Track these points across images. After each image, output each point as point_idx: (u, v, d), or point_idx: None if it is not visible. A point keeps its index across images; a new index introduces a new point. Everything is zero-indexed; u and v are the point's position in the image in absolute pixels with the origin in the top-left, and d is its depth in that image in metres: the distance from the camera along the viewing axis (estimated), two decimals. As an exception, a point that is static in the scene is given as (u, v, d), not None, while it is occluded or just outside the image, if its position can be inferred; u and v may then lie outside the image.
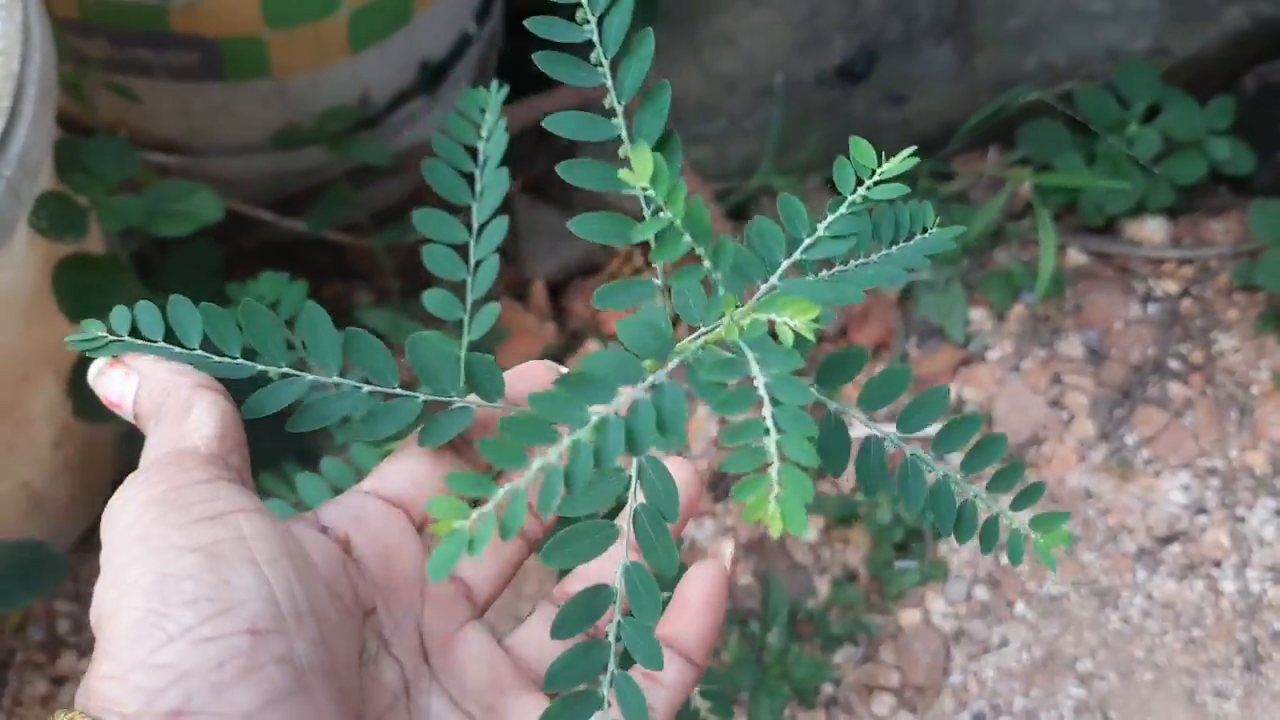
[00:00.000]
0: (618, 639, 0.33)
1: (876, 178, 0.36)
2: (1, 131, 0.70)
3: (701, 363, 0.30)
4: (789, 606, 1.06)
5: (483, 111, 0.40)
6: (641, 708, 0.32)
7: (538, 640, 0.37)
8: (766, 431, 0.28)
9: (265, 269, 0.75)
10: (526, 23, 0.36)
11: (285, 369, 0.36)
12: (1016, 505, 0.38)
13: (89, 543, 1.07)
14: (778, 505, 0.27)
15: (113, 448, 1.03)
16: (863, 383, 0.37)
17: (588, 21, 0.35)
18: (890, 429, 0.37)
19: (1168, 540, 1.16)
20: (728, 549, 0.38)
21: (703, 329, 0.33)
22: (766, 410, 0.28)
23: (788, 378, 0.29)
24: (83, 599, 1.09)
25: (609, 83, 0.35)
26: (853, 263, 0.38)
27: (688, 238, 0.32)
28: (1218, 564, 1.15)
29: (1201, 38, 1.29)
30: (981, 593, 1.13)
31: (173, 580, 0.30)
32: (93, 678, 0.30)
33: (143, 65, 0.95)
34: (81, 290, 0.82)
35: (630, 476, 0.33)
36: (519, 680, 0.36)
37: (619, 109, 0.35)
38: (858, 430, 0.37)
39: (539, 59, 0.37)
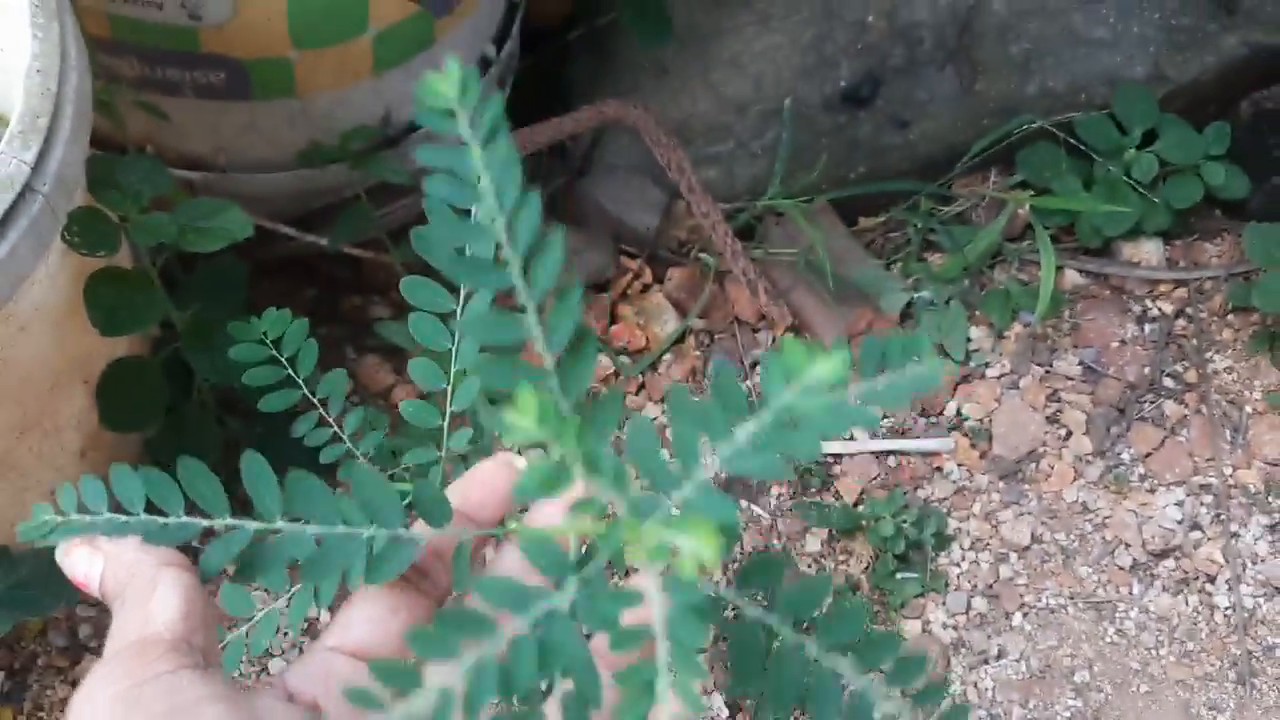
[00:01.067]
0: None
1: (803, 383, 0.28)
2: (40, 150, 0.73)
3: (598, 592, 0.28)
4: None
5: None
6: None
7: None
8: (658, 673, 0.26)
9: (286, 283, 0.78)
10: (412, 233, 0.35)
11: (229, 521, 0.36)
12: None
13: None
14: None
15: (139, 456, 1.05)
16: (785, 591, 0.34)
17: (494, 220, 0.32)
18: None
19: (1163, 555, 1.18)
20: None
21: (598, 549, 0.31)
22: (661, 649, 0.27)
23: (688, 612, 0.27)
24: (104, 605, 1.11)
25: (519, 282, 0.32)
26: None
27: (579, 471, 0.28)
28: (1212, 579, 1.17)
29: (1198, 65, 1.32)
30: (981, 604, 1.16)
31: None
32: None
33: (171, 84, 0.98)
34: (113, 303, 0.85)
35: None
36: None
37: (530, 308, 0.32)
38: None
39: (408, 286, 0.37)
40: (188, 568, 0.36)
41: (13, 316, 0.79)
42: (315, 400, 0.69)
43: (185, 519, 0.36)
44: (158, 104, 0.97)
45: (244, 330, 0.69)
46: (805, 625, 0.32)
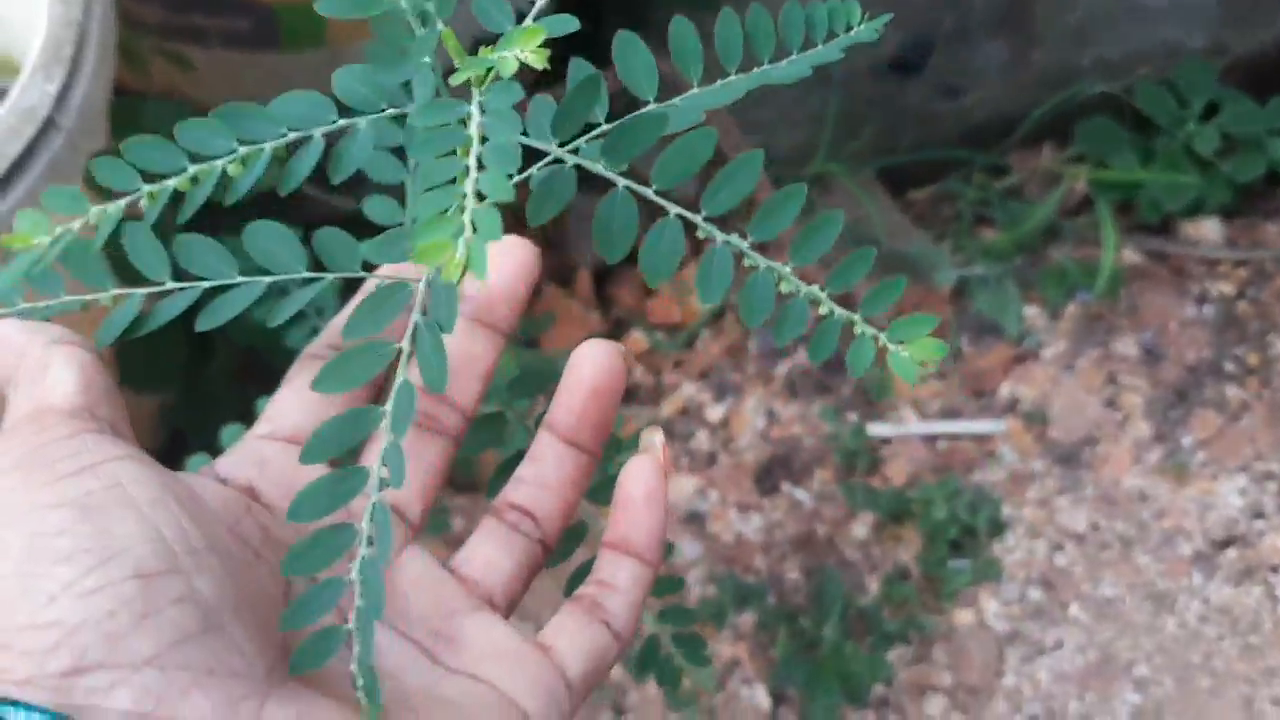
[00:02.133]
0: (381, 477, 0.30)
1: None
2: (64, 81, 0.68)
3: (421, 110, 0.27)
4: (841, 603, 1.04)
5: None
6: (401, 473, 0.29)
7: (483, 557, 0.35)
8: (466, 170, 0.25)
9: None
10: None
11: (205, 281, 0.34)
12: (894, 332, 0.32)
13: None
14: (465, 248, 0.24)
15: (156, 423, 1.00)
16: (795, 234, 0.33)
17: None
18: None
19: (1224, 544, 1.13)
20: (657, 439, 0.36)
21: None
22: (474, 149, 0.26)
23: (502, 112, 0.26)
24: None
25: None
26: (755, 70, 0.34)
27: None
28: (1276, 569, 1.12)
29: (1260, 36, 1.27)
30: (1035, 594, 1.10)
31: (45, 538, 0.27)
32: None
33: (197, 32, 0.93)
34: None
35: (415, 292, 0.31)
36: (468, 601, 0.34)
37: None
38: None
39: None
40: (85, 344, 0.32)
41: (29, 266, 0.74)
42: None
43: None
44: (182, 53, 0.92)
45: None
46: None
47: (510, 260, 0.36)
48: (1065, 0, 1.27)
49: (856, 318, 0.32)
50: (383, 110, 0.31)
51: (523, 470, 0.36)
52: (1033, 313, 1.22)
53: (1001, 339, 1.20)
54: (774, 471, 1.15)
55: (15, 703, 0.26)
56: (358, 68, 0.30)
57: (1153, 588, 1.11)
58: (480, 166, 0.25)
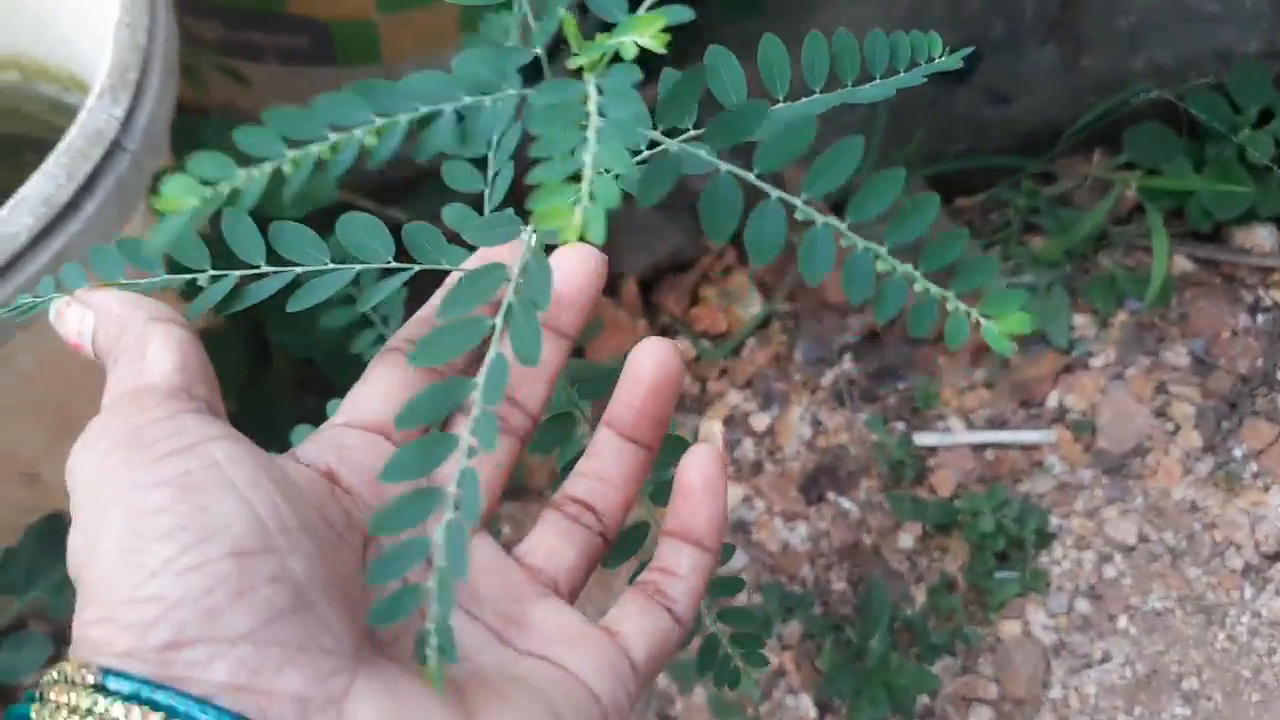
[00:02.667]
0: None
1: None
2: (130, 105, 0.69)
3: (542, 90, 0.28)
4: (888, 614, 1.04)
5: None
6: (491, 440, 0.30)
7: (546, 546, 0.36)
8: (584, 140, 0.26)
9: None
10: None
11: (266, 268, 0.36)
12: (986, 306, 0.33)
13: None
14: (581, 213, 0.25)
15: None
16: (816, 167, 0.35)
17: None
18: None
19: (1276, 557, 1.12)
20: (716, 428, 0.37)
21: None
22: (593, 124, 0.27)
23: (623, 91, 0.27)
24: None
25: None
26: (839, 90, 0.36)
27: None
28: (1328, 583, 1.11)
29: (1317, 41, 1.25)
30: (1083, 606, 1.10)
31: (146, 516, 0.28)
32: (79, 625, 0.29)
33: (254, 48, 0.94)
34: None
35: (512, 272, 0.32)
36: (533, 587, 0.35)
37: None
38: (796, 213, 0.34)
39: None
40: (183, 323, 0.34)
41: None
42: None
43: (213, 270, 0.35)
44: (239, 69, 0.93)
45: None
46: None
47: (578, 266, 0.37)
48: (1116, 5, 1.26)
49: (950, 294, 0.33)
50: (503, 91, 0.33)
51: (583, 465, 0.37)
52: (1082, 321, 1.22)
53: (1050, 348, 1.20)
54: (820, 480, 1.15)
55: (119, 673, 0.27)
56: (480, 51, 0.31)
57: (1202, 600, 1.11)
58: (598, 140, 0.26)
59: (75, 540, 0.29)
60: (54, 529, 0.81)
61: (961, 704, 1.06)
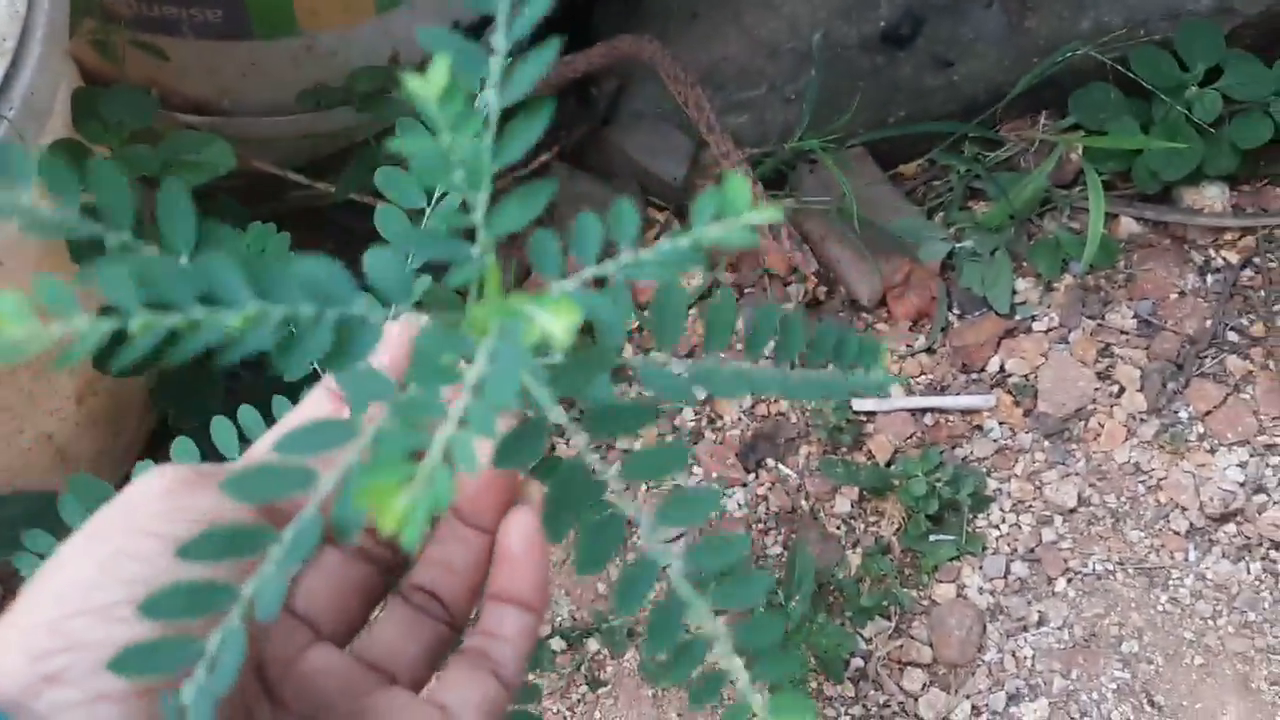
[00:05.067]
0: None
1: (727, 221, 0.27)
2: (4, 72, 0.70)
3: (432, 337, 0.26)
4: (817, 577, 1.04)
5: None
6: None
7: (387, 639, 0.36)
8: (446, 416, 0.24)
9: (300, 235, 0.74)
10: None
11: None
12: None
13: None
14: (408, 503, 0.23)
15: (142, 404, 1.04)
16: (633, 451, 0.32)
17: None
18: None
19: (1222, 519, 1.10)
20: (535, 490, 0.37)
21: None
22: (462, 398, 0.25)
23: (506, 371, 0.25)
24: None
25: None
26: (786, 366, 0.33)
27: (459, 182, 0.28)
28: (1277, 545, 1.09)
29: (1269, -3, 1.23)
30: (1021, 569, 1.09)
31: (124, 558, 0.29)
32: (7, 615, 0.30)
33: (170, 22, 0.96)
34: (96, 243, 0.83)
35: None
36: (376, 680, 0.36)
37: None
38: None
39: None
40: None
41: (-12, 251, 0.78)
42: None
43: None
44: (156, 44, 0.95)
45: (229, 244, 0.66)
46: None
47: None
48: (1063, -34, 1.24)
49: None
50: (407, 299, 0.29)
51: (429, 550, 0.37)
52: (1025, 286, 1.20)
53: (992, 313, 1.19)
54: (759, 447, 1.15)
55: None
56: (386, 255, 0.28)
57: (1144, 563, 1.09)
58: (461, 424, 0.24)
59: (72, 538, 0.31)
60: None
61: (895, 667, 1.06)
